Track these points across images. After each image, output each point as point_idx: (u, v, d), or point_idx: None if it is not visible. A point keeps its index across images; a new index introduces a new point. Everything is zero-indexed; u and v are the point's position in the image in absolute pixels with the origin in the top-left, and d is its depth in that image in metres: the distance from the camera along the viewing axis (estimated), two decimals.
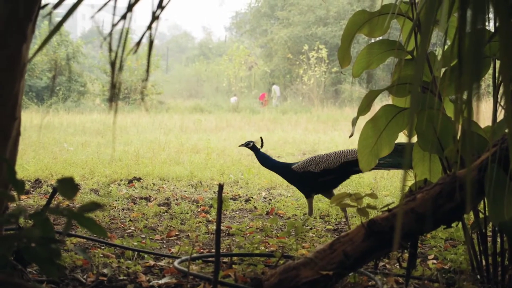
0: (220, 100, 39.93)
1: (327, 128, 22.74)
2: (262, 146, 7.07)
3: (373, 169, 6.71)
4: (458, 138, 3.87)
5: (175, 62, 70.82)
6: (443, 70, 4.38)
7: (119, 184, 9.74)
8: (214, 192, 9.33)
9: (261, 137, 7.16)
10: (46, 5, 3.12)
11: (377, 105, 4.59)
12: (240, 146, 7.34)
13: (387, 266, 4.86)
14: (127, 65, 35.13)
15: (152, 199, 8.53)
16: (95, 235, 5.45)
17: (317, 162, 6.80)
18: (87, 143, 15.47)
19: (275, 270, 3.70)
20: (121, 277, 4.42)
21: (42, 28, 34.57)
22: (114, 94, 2.68)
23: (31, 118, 21.36)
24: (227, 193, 9.14)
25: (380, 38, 4.75)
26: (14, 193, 2.87)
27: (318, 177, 6.78)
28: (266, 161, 7.04)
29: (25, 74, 3.15)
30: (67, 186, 2.66)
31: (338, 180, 6.92)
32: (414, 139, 4.39)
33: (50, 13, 3.00)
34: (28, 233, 2.62)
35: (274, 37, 46.17)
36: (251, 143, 7.04)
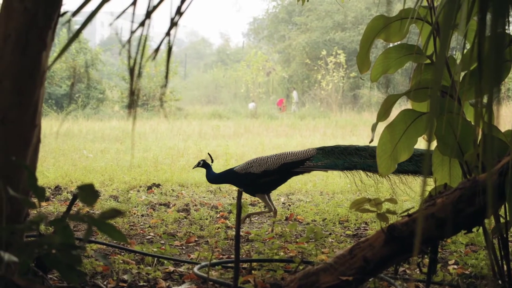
0: (238, 106, 39.92)
1: (346, 133, 22.67)
2: (212, 161, 7.11)
3: (312, 170, 6.80)
4: (478, 143, 3.84)
5: (193, 69, 70.94)
6: (462, 74, 4.35)
7: (138, 191, 9.77)
8: (233, 198, 9.34)
9: (209, 153, 7.21)
10: (65, 12, 3.14)
11: (395, 110, 4.57)
12: (193, 168, 7.39)
13: (407, 271, 4.84)
14: (146, 71, 35.25)
15: (171, 205, 8.55)
16: (115, 241, 5.48)
17: (258, 163, 6.89)
18: (106, 149, 15.54)
19: (294, 275, 3.70)
20: (141, 283, 4.44)
21: (61, 36, 34.79)
22: (133, 101, 2.69)
23: (50, 125, 21.48)
24: (246, 199, 9.14)
25: (398, 42, 4.73)
26: (35, 200, 2.89)
27: (259, 178, 6.84)
28: (210, 178, 7.13)
29: (45, 82, 3.17)
30: (88, 192, 2.67)
31: (278, 181, 7.01)
32: (434, 143, 4.36)
33: (69, 21, 3.02)
34: (49, 240, 2.63)
35: (292, 42, 46.15)
36: (202, 162, 7.09)
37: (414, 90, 4.38)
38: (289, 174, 6.96)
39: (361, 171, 6.70)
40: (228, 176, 7.07)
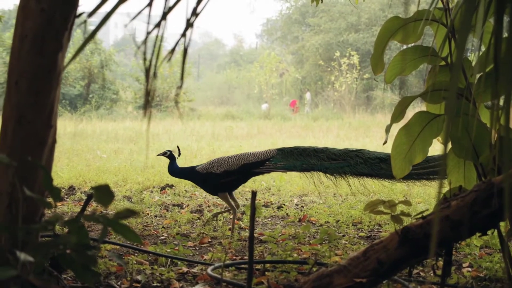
0: (251, 107, 39.88)
1: (359, 135, 22.61)
2: (179, 155, 7.11)
3: (272, 170, 6.83)
4: (493, 145, 3.82)
5: (206, 70, 70.95)
6: (477, 76, 4.33)
7: (151, 191, 9.79)
8: (246, 199, 9.34)
9: (177, 146, 7.21)
10: (81, 13, 3.16)
11: (409, 112, 4.55)
12: (158, 155, 7.38)
13: (421, 273, 4.82)
14: (159, 72, 35.28)
15: (184, 206, 8.57)
16: (129, 242, 5.49)
17: (219, 164, 6.95)
18: (119, 150, 15.57)
19: (308, 277, 3.69)
20: (155, 284, 4.45)
21: (75, 36, 34.87)
22: (148, 102, 2.69)
23: (64, 126, 21.55)
24: (259, 200, 9.14)
25: (413, 44, 4.72)
26: (50, 200, 2.90)
27: (220, 178, 6.88)
28: (172, 170, 7.14)
29: (60, 82, 3.18)
30: (103, 193, 2.68)
31: (239, 181, 7.08)
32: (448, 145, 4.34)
33: (85, 22, 3.03)
34: (64, 240, 2.64)
35: (305, 44, 46.07)
36: (169, 152, 7.09)
37: (429, 92, 4.36)
38: (249, 175, 7.06)
39: (320, 173, 6.76)
40: (190, 174, 7.12)
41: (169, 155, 7.05)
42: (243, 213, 7.91)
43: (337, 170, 6.66)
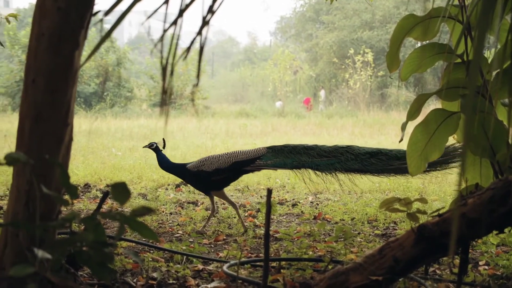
0: (265, 105, 39.85)
1: (374, 132, 22.56)
2: (164, 147, 7.10)
3: (262, 168, 6.84)
4: (511, 143, 3.81)
5: (220, 67, 70.98)
6: (494, 73, 4.32)
7: (166, 189, 9.82)
8: (261, 196, 9.34)
9: (163, 139, 7.19)
10: (97, 12, 3.17)
11: (424, 109, 4.54)
12: (143, 147, 7.35)
13: (438, 271, 4.81)
14: (170, 70, 35.18)
15: (199, 203, 8.58)
16: (144, 239, 5.51)
17: (210, 162, 6.93)
18: (134, 148, 15.61)
19: (324, 275, 3.69)
20: (171, 281, 4.46)
21: (89, 34, 34.97)
22: (165, 99, 2.70)
23: (79, 124, 21.63)
24: (274, 198, 9.14)
25: (427, 41, 4.71)
26: (67, 197, 2.91)
27: (210, 176, 6.88)
28: (164, 163, 7.09)
29: (77, 81, 3.20)
30: (120, 191, 2.69)
31: (229, 179, 7.07)
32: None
33: (101, 20, 3.04)
34: (81, 237, 2.65)
35: (319, 41, 45.99)
36: (154, 144, 7.07)
37: (445, 89, 4.35)
38: (240, 173, 7.03)
39: (310, 170, 6.77)
40: (180, 171, 7.09)
41: (155, 147, 7.05)
42: (258, 210, 7.91)
43: (328, 167, 6.68)
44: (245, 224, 6.97)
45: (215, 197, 7.00)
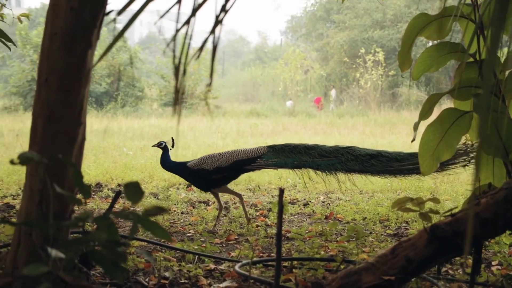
0: (276, 104, 39.80)
1: (385, 132, 22.50)
2: (173, 146, 7.12)
3: (263, 167, 6.87)
4: None
5: (231, 67, 70.96)
6: (507, 72, 4.30)
7: (178, 188, 9.83)
8: (272, 196, 9.34)
9: (172, 138, 7.22)
10: (110, 11, 3.17)
11: (436, 108, 4.53)
12: (153, 146, 7.35)
13: (450, 271, 4.79)
14: (182, 70, 35.18)
15: (210, 203, 8.59)
16: (156, 239, 5.52)
17: (211, 160, 6.97)
18: (145, 147, 15.63)
19: (336, 274, 3.68)
20: (183, 280, 4.46)
21: (101, 34, 35.02)
22: (178, 98, 2.70)
23: (91, 123, 21.68)
24: (285, 197, 9.14)
25: (440, 41, 4.69)
26: (79, 197, 2.92)
27: (211, 174, 6.91)
28: (165, 162, 7.12)
29: (90, 80, 3.20)
30: (133, 190, 2.70)
31: (230, 178, 7.09)
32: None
33: (114, 20, 3.05)
34: (95, 237, 2.66)
35: (330, 40, 45.91)
36: (164, 143, 7.09)
37: (458, 89, 4.33)
38: (240, 171, 7.07)
39: (310, 170, 6.84)
40: (181, 170, 7.11)
41: (164, 146, 7.07)
42: (270, 210, 7.91)
43: (328, 167, 6.72)
44: (256, 223, 6.97)
45: (219, 194, 7.03)
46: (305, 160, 6.75)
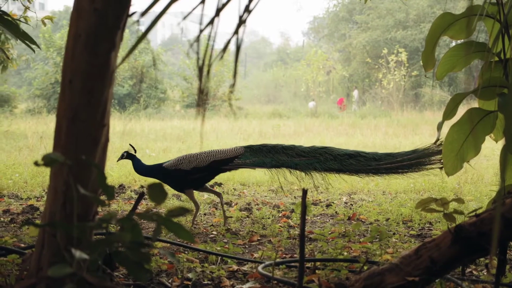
0: (298, 105, 39.77)
1: (408, 132, 22.40)
2: (135, 152, 7.12)
3: (240, 167, 6.87)
4: None
5: (253, 68, 70.99)
6: None
7: None
8: (295, 197, 9.33)
9: (130, 144, 7.24)
10: (134, 13, 3.18)
11: (460, 108, 4.50)
12: (118, 160, 7.36)
13: (475, 272, 4.76)
14: (206, 70, 35.26)
15: (233, 204, 8.59)
16: (179, 240, 5.53)
17: (188, 160, 7.00)
18: (168, 149, 15.69)
19: (359, 275, 3.67)
20: (206, 282, 4.47)
21: (123, 36, 35.17)
22: (202, 99, 2.71)
23: (113, 125, 21.78)
24: (308, 198, 9.12)
25: (462, 40, 4.66)
26: (103, 198, 2.93)
27: (188, 174, 6.95)
28: (139, 167, 7.16)
29: (113, 82, 3.22)
30: (157, 191, 2.70)
31: (207, 178, 7.15)
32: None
33: (137, 21, 3.06)
34: (119, 238, 2.67)
35: (352, 41, 45.81)
36: (125, 154, 7.10)
37: (482, 89, 4.30)
38: (218, 171, 7.12)
39: (284, 169, 6.94)
40: (157, 171, 7.13)
41: (127, 155, 7.10)
42: (292, 211, 7.90)
43: (307, 166, 6.78)
44: (279, 224, 6.97)
45: (193, 193, 7.10)
46: (284, 160, 6.83)
